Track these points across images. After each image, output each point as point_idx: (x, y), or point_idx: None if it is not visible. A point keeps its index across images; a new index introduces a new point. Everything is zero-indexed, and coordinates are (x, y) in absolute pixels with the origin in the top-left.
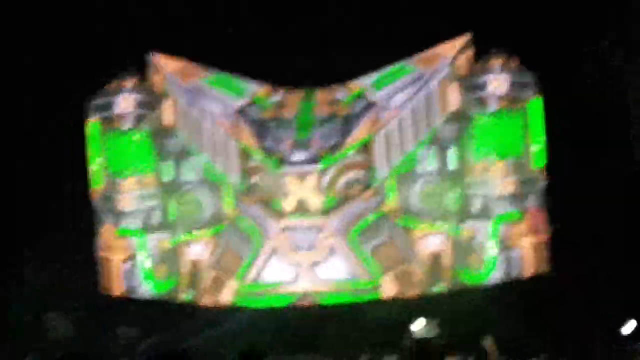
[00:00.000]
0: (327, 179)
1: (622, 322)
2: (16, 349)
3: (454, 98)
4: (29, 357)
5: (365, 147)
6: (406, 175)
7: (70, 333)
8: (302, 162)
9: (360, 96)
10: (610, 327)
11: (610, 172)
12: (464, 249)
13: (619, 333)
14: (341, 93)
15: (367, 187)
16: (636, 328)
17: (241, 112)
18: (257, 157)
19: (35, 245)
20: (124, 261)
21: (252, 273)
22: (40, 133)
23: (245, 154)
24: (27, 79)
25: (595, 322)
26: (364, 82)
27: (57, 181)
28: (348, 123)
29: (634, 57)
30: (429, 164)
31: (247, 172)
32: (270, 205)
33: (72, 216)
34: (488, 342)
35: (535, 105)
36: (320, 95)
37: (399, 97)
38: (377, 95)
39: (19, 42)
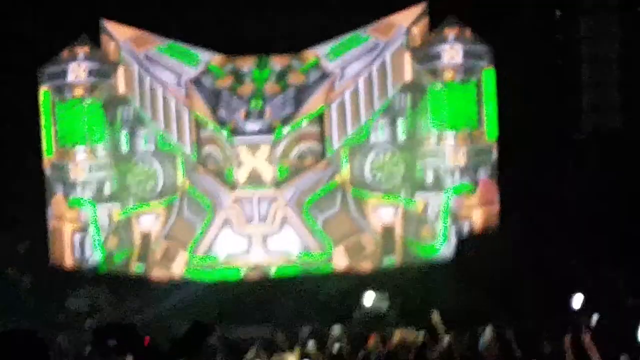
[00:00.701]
0: (280, 149)
1: (571, 294)
2: None
3: (408, 68)
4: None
5: (319, 118)
6: (359, 146)
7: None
8: (255, 133)
9: (314, 65)
10: (558, 299)
11: (561, 143)
12: (415, 221)
13: (567, 305)
14: (295, 62)
15: (320, 158)
16: (584, 302)
17: (195, 81)
18: (210, 127)
19: None
20: (75, 232)
21: (204, 245)
22: None
23: (198, 124)
24: None
25: (544, 294)
26: (318, 51)
27: (9, 150)
28: (302, 93)
29: (587, 28)
30: (382, 134)
31: (200, 143)
32: (223, 176)
33: (24, 186)
34: (435, 317)
35: (488, 76)
36: (274, 64)
37: (354, 67)
38: (332, 65)
39: None
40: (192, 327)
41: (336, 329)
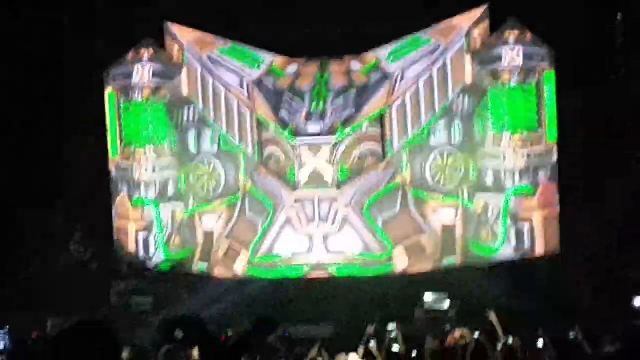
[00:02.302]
0: (341, 150)
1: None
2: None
3: (469, 70)
4: (50, 322)
5: (380, 120)
6: (420, 147)
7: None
8: (316, 134)
9: (375, 68)
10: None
11: (621, 150)
12: (475, 222)
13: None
14: (356, 64)
15: (380, 159)
16: None
17: (257, 83)
18: (272, 128)
19: (52, 215)
20: (140, 231)
21: (266, 244)
22: (60, 102)
23: (260, 125)
24: (47, 47)
25: (603, 297)
26: (379, 54)
27: (75, 150)
28: (363, 95)
29: None
30: (442, 136)
31: (262, 144)
32: (284, 176)
33: (89, 186)
34: (492, 316)
35: (549, 78)
36: (336, 67)
37: (414, 69)
38: (392, 67)
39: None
40: (256, 324)
41: (392, 328)
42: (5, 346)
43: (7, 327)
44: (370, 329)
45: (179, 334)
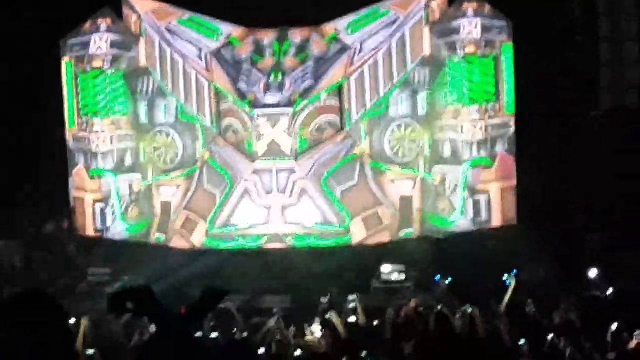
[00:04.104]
0: (299, 122)
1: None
2: None
3: (427, 42)
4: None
5: (338, 91)
6: (378, 119)
7: (19, 263)
8: (275, 105)
9: (334, 39)
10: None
11: (578, 120)
12: (433, 193)
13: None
14: (315, 35)
15: (339, 130)
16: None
17: (215, 54)
18: (230, 99)
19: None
20: (97, 202)
21: (223, 215)
22: (16, 72)
23: (218, 96)
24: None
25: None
26: (338, 25)
27: (32, 120)
28: (321, 66)
29: (606, 5)
30: (401, 108)
31: (220, 114)
32: (242, 147)
33: (46, 156)
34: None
35: (507, 50)
36: (294, 38)
37: (373, 41)
38: (351, 39)
39: None
40: (205, 292)
41: (352, 299)
42: None
43: None
44: (324, 300)
45: (129, 305)
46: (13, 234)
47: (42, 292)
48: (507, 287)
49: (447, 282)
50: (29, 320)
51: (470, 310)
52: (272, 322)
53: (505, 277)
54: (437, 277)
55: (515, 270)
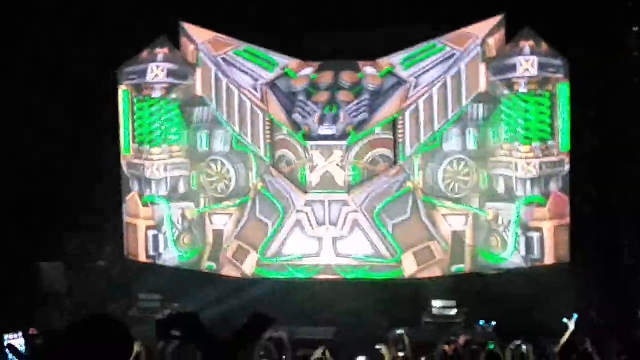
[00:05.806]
0: (353, 155)
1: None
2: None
3: (483, 79)
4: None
5: (393, 125)
6: (432, 153)
7: (64, 288)
8: (329, 137)
9: (389, 73)
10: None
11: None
12: (486, 230)
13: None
14: (370, 69)
15: (392, 164)
16: None
17: (271, 85)
18: (285, 130)
19: (64, 211)
20: (150, 228)
21: (275, 245)
22: (73, 99)
23: (273, 127)
24: (62, 44)
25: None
26: (394, 60)
27: (88, 147)
28: (376, 100)
29: None
30: (455, 144)
31: (274, 145)
32: (295, 178)
33: (101, 183)
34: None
35: (563, 89)
36: (350, 71)
37: (429, 76)
38: (407, 73)
39: (53, 7)
40: (251, 318)
41: (400, 334)
42: (24, 351)
43: (20, 332)
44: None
45: (175, 332)
46: (64, 258)
47: (112, 317)
48: (562, 327)
49: (491, 325)
50: (98, 344)
51: (523, 347)
52: (318, 354)
53: (565, 320)
54: (481, 322)
55: (576, 315)
